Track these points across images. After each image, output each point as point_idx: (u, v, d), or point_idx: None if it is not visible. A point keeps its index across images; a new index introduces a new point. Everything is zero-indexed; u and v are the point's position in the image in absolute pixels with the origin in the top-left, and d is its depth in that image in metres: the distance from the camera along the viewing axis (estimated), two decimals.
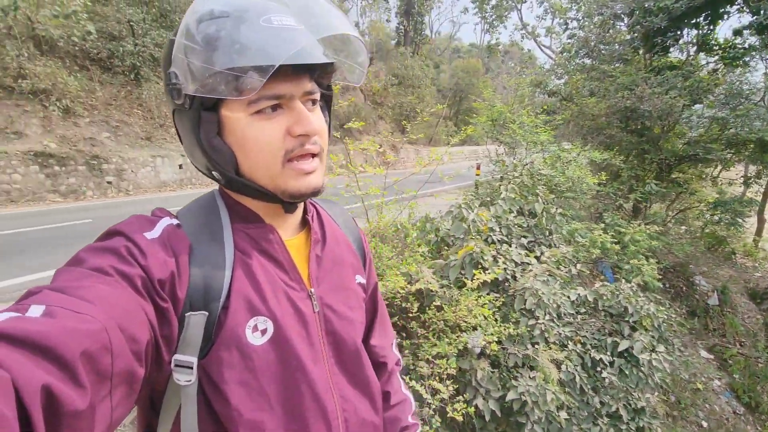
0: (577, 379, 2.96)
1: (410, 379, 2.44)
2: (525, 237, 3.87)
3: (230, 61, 0.52)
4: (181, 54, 0.55)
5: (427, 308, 2.83)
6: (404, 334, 2.94)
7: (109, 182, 11.03)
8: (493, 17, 21.34)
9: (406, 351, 2.73)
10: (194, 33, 0.54)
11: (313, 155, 0.62)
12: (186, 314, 0.56)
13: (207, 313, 0.57)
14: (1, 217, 7.89)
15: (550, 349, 2.94)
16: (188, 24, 0.55)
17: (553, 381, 2.80)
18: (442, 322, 2.75)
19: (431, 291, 2.90)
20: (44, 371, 0.37)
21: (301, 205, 0.71)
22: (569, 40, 12.17)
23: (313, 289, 0.68)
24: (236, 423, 0.57)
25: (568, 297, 3.28)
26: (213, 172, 0.62)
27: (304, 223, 0.74)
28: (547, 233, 4.08)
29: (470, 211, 3.72)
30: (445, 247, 4.03)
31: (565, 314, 3.22)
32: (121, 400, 0.46)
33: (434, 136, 26.99)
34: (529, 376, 2.77)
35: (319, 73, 0.61)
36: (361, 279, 0.79)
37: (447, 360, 2.57)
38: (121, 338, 0.45)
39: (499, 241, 3.60)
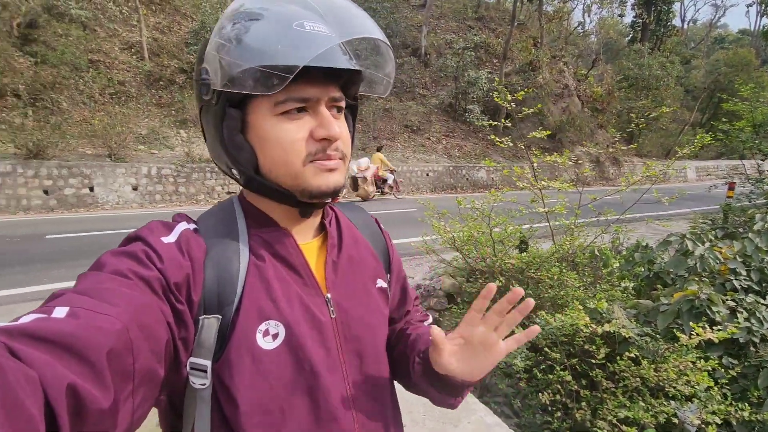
0: None
1: None
2: None
3: (259, 58, 0.54)
4: (214, 51, 0.57)
5: (618, 357, 2.27)
6: (584, 382, 2.44)
7: None
8: None
9: (583, 403, 2.25)
10: (227, 31, 0.56)
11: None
12: (200, 317, 0.57)
13: (220, 317, 0.57)
14: None
15: None
16: (223, 22, 0.58)
17: None
18: (638, 379, 2.17)
19: (626, 338, 2.32)
20: (70, 370, 0.38)
21: (319, 210, 0.70)
22: None
23: (329, 295, 0.66)
24: (245, 428, 0.56)
25: None
26: (233, 170, 0.63)
27: (322, 228, 0.72)
28: None
29: (699, 244, 2.86)
30: (659, 287, 3.21)
31: None
32: (143, 400, 0.47)
33: (675, 146, 22.44)
34: None
35: (346, 81, 0.63)
36: (382, 283, 0.76)
37: (641, 430, 2.00)
38: (142, 338, 0.46)
39: (743, 288, 2.64)
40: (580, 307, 2.53)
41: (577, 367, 2.52)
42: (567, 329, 2.49)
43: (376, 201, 12.18)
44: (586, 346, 2.42)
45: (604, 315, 2.57)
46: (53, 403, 0.36)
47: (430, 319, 0.89)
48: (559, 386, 2.45)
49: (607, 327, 2.35)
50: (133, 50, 13.43)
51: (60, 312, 0.43)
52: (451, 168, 16.20)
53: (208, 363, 0.56)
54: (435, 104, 18.68)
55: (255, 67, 0.54)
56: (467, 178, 16.63)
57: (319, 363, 0.61)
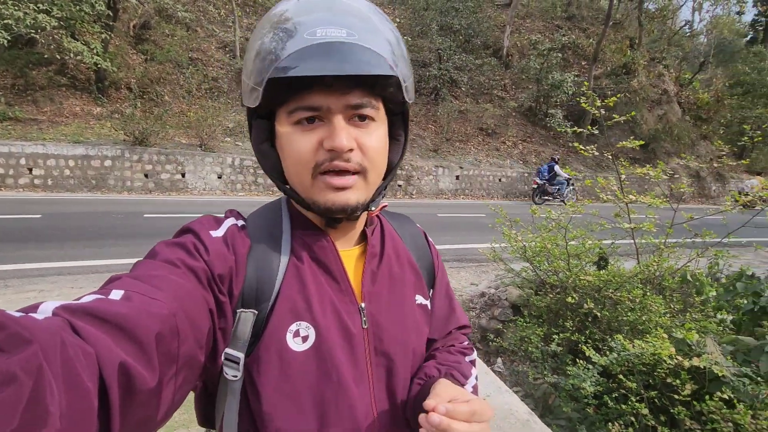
0: None
1: None
2: None
3: (256, 73, 0.57)
4: (246, 58, 0.61)
5: (707, 397, 2.03)
6: (663, 418, 2.21)
7: (399, 185, 13.14)
8: None
9: None
10: (252, 42, 0.60)
11: (352, 172, 0.60)
12: (238, 310, 0.58)
13: (256, 312, 0.59)
14: None
15: None
16: (270, 21, 0.59)
17: None
18: (730, 424, 1.92)
19: (719, 376, 2.06)
20: (122, 349, 0.40)
21: (363, 217, 0.70)
22: None
23: (363, 304, 0.65)
24: (266, 426, 0.57)
25: None
26: (276, 181, 0.65)
27: (364, 236, 0.71)
28: None
29: None
30: (766, 323, 2.81)
31: None
32: (183, 383, 0.49)
33: None
34: None
35: (380, 85, 0.59)
36: (422, 300, 0.73)
37: None
38: (187, 324, 0.48)
39: None
40: (665, 335, 2.29)
41: (656, 400, 2.28)
42: (647, 358, 2.27)
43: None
44: (669, 380, 2.19)
45: (693, 347, 2.30)
46: (107, 379, 0.38)
47: (474, 355, 0.82)
48: (632, 418, 2.24)
49: (696, 361, 2.11)
50: (227, 49, 14.54)
51: (116, 294, 0.45)
52: (526, 174, 15.53)
53: (241, 356, 0.57)
54: (513, 107, 18.00)
55: (246, 81, 0.59)
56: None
57: (345, 373, 0.60)
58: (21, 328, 0.32)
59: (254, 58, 0.58)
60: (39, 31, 9.89)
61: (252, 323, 0.58)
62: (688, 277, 3.48)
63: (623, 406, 2.26)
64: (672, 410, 2.16)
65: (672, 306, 3.03)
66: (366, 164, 0.60)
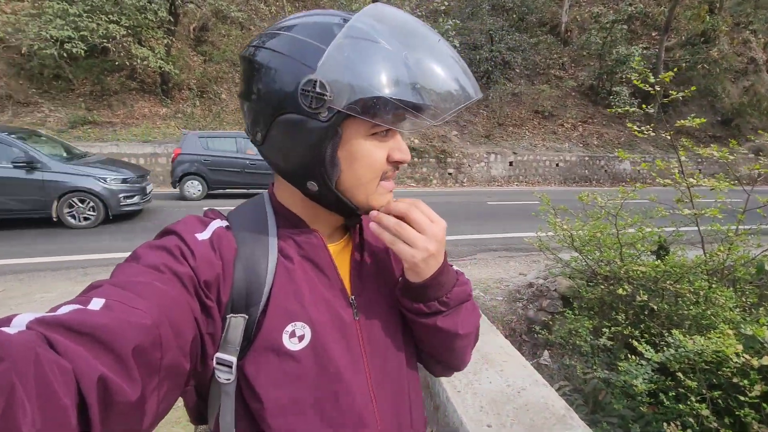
0: None
1: None
2: None
3: (408, 93, 0.55)
4: (341, 63, 0.54)
5: None
6: (727, 420, 2.01)
7: (450, 173, 12.95)
8: None
9: None
10: (372, 47, 0.55)
11: None
12: (228, 315, 0.57)
13: (247, 316, 0.58)
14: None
15: None
16: (365, 31, 0.55)
17: None
18: None
19: None
20: (101, 363, 0.40)
21: None
22: None
23: (353, 297, 0.66)
24: (269, 425, 0.57)
25: None
26: (309, 182, 0.60)
27: (346, 230, 0.72)
28: None
29: None
30: None
31: None
32: (167, 393, 0.49)
33: None
34: None
35: None
36: None
37: None
38: (170, 334, 0.48)
39: None
40: (730, 331, 2.07)
41: (720, 401, 2.08)
42: (708, 356, 2.06)
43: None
44: (735, 379, 1.99)
45: (764, 345, 2.06)
46: (85, 395, 0.37)
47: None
48: (692, 419, 2.06)
49: (766, 360, 1.89)
50: None
51: (96, 304, 0.44)
52: (586, 158, 14.66)
53: (233, 359, 0.57)
54: (572, 87, 16.95)
55: (404, 104, 0.55)
56: (606, 170, 14.88)
57: (343, 365, 0.61)
58: None
59: (399, 69, 0.55)
60: (110, 39, 10.79)
61: (243, 327, 0.58)
62: (767, 268, 3.11)
63: (681, 406, 2.09)
64: (738, 412, 1.96)
65: (744, 300, 2.73)
66: None
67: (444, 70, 0.57)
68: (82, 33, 10.17)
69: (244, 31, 14.68)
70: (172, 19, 12.33)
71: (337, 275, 0.65)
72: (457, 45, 12.60)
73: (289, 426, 0.58)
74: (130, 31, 11.08)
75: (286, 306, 0.60)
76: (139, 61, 11.20)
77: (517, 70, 16.74)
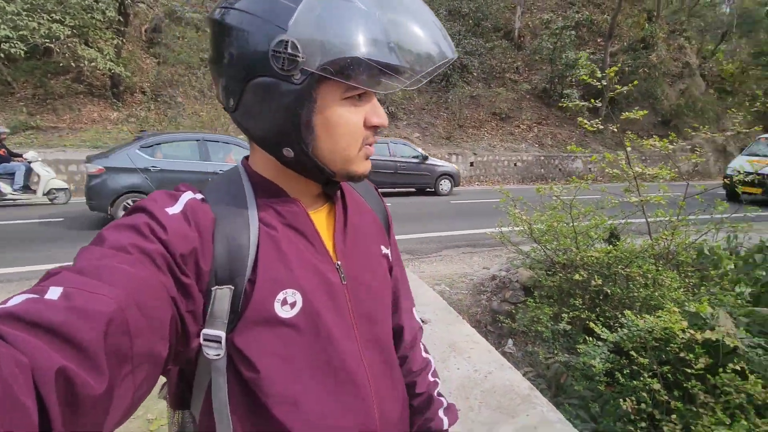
0: None
1: None
2: None
3: (384, 54, 0.54)
4: (313, 23, 0.52)
5: (721, 369, 1.98)
6: (676, 393, 2.16)
7: None
8: None
9: (674, 416, 2.00)
10: (344, 5, 0.53)
11: None
12: (212, 288, 0.55)
13: (233, 287, 0.56)
14: None
15: None
16: None
17: None
18: (743, 395, 1.86)
19: (732, 347, 2.00)
20: (60, 355, 0.37)
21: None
22: None
23: (339, 262, 0.66)
24: (268, 395, 0.57)
25: None
26: (284, 149, 0.59)
27: (327, 197, 0.71)
28: None
29: None
30: None
31: None
32: (145, 379, 0.46)
33: None
34: None
35: None
36: (385, 250, 0.77)
37: None
38: (140, 318, 0.44)
39: None
40: (676, 309, 2.23)
41: (669, 375, 2.23)
42: (658, 333, 2.21)
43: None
44: (682, 354, 2.14)
45: (707, 321, 2.24)
46: (42, 391, 0.34)
47: (432, 368, 0.89)
48: (645, 394, 2.20)
49: (709, 334, 2.05)
50: None
51: (53, 293, 0.41)
52: (542, 158, 15.25)
53: (222, 334, 0.55)
54: (527, 90, 17.62)
55: (379, 64, 0.54)
56: (560, 169, 15.54)
57: (334, 328, 0.62)
58: None
59: (373, 27, 0.54)
60: (54, 40, 10.17)
61: (230, 299, 0.56)
62: (706, 251, 3.37)
63: (635, 383, 2.22)
64: (686, 385, 2.11)
65: (687, 281, 2.95)
66: None
67: (420, 29, 0.56)
68: (21, 33, 9.52)
69: (200, 33, 14.26)
70: (121, 20, 11.78)
71: (321, 241, 0.65)
72: None
73: (287, 392, 0.57)
74: (75, 31, 10.46)
75: (274, 274, 0.58)
76: (86, 63, 10.59)
77: (475, 74, 17.20)
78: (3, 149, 8.17)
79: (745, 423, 1.77)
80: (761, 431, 1.71)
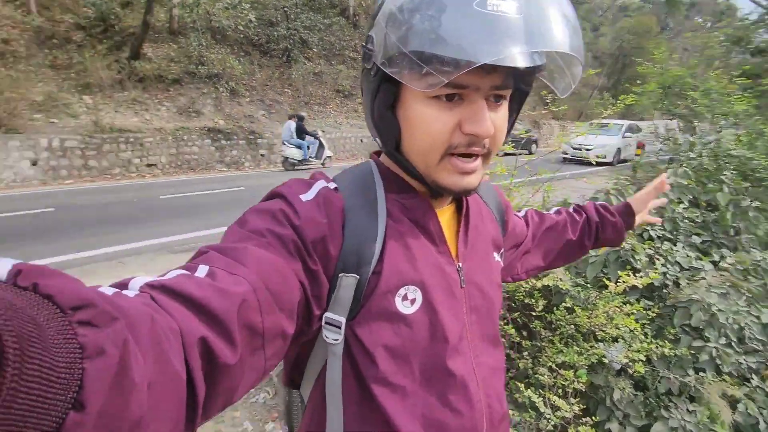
0: (763, 426, 2.24)
1: (526, 387, 2.11)
2: (698, 235, 3.08)
3: (421, 44, 0.50)
4: (384, 20, 0.54)
5: (555, 308, 2.43)
6: (525, 333, 2.59)
7: (262, 155, 12.46)
8: None
9: (525, 353, 2.39)
10: (402, 1, 0.52)
11: (477, 155, 0.59)
12: (339, 275, 0.57)
13: (358, 277, 0.57)
14: (186, 182, 9.64)
15: (724, 381, 2.27)
16: None
17: (723, 423, 2.17)
18: (572, 326, 2.33)
19: (561, 289, 2.47)
20: (203, 326, 0.40)
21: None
22: None
23: (460, 264, 0.67)
24: (380, 384, 0.58)
25: (758, 318, 2.49)
26: (377, 138, 0.63)
27: (453, 197, 0.71)
28: (733, 232, 3.18)
29: (621, 198, 3.08)
30: None
31: (750, 339, 2.46)
32: (273, 354, 0.49)
33: (585, 110, 23.92)
34: (688, 409, 2.19)
35: (522, 70, 0.54)
36: (497, 257, 0.77)
37: (575, 372, 2.17)
38: (269, 298, 0.47)
39: (659, 237, 2.92)
40: None
41: (518, 320, 2.66)
42: (509, 287, 2.61)
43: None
44: (526, 300, 2.55)
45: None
46: (188, 355, 0.37)
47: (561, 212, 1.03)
48: (503, 339, 2.58)
49: (545, 281, 2.49)
50: (17, 2, 11.44)
51: (202, 271, 0.45)
52: None
53: (342, 320, 0.57)
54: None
55: (413, 55, 0.50)
56: None
57: (450, 330, 0.62)
58: (110, 305, 0.31)
59: (413, 20, 0.50)
60: None
61: (354, 287, 0.57)
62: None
63: None
64: (530, 325, 2.54)
65: None
66: (491, 147, 0.59)
67: (471, 25, 0.50)
68: None
69: None
70: None
71: (445, 242, 0.66)
72: (253, 20, 11.99)
73: (397, 383, 0.58)
74: None
75: (399, 268, 0.59)
76: None
77: (315, 50, 16.99)
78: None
79: (576, 348, 2.24)
80: (590, 354, 2.17)
